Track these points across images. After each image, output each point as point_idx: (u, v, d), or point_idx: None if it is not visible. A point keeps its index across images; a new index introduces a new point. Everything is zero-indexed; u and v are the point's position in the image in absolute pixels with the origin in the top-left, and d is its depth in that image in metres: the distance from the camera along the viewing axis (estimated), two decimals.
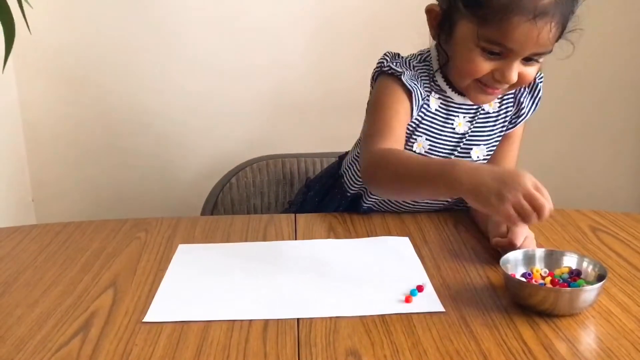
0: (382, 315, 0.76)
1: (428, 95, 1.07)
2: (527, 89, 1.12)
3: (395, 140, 0.99)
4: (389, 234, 1.03)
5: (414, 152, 1.08)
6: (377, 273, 0.89)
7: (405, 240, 1.00)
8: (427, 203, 1.13)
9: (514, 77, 0.96)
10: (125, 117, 1.86)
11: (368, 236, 1.02)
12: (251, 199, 1.48)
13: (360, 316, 0.76)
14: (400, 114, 1.02)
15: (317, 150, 1.54)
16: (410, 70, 1.06)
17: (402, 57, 1.09)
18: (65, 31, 1.77)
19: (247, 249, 0.98)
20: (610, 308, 0.78)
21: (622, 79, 1.91)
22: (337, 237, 1.02)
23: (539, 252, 0.86)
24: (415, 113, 1.04)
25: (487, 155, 1.12)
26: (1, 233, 1.06)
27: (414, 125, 1.07)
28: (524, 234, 0.89)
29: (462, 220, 1.08)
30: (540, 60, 0.98)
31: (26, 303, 0.81)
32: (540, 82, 1.12)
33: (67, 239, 1.02)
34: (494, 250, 0.93)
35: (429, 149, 1.09)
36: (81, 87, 1.83)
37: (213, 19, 1.80)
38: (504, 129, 1.13)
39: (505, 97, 1.12)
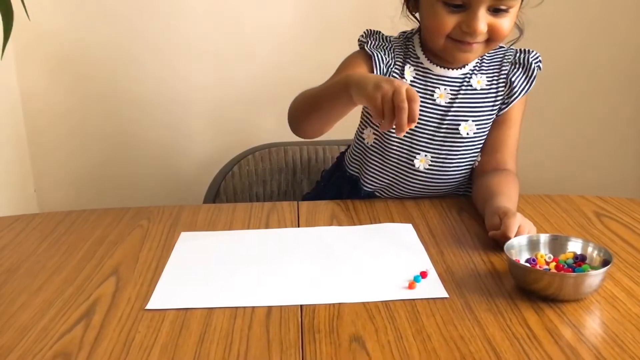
0: (386, 302, 0.76)
1: (402, 66, 1.09)
2: (520, 69, 1.11)
3: None
4: (392, 220, 1.03)
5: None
6: (380, 259, 0.88)
7: (409, 227, 0.99)
8: (428, 182, 1.13)
9: (480, 26, 0.98)
10: (127, 106, 1.85)
11: (371, 223, 1.02)
12: (253, 187, 1.47)
13: (363, 302, 0.76)
14: None
15: (319, 139, 1.53)
16: (384, 42, 1.10)
17: (381, 34, 1.13)
18: (66, 18, 1.76)
19: (249, 236, 0.98)
20: (615, 293, 0.78)
21: (628, 67, 1.89)
22: (340, 224, 1.02)
23: (544, 238, 0.85)
24: None
25: (478, 132, 1.11)
26: (3, 222, 1.05)
27: None
28: (516, 224, 0.87)
29: (465, 206, 1.08)
30: (512, 10, 0.99)
31: (28, 291, 0.81)
32: (535, 61, 1.11)
33: (69, 227, 1.02)
34: None
35: None
36: (82, 76, 1.82)
37: (216, 5, 1.79)
38: (495, 108, 1.11)
39: (495, 76, 1.11)
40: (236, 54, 1.83)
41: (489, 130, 1.12)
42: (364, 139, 1.16)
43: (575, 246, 0.83)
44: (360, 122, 1.19)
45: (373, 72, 1.07)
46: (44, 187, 1.90)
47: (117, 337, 0.70)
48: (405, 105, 0.83)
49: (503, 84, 1.11)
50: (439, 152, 1.11)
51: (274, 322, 0.72)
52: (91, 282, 0.83)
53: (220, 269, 0.86)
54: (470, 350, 0.66)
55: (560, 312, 0.73)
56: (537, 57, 1.12)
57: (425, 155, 1.10)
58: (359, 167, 1.18)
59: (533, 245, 0.84)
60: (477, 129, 1.11)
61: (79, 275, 0.85)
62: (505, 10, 0.99)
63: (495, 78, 1.11)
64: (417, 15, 1.11)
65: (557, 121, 1.93)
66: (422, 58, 1.10)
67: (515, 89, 1.11)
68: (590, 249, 0.82)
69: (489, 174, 1.08)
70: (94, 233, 1.00)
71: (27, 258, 0.91)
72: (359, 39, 1.14)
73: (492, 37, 1.01)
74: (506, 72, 1.11)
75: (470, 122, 1.10)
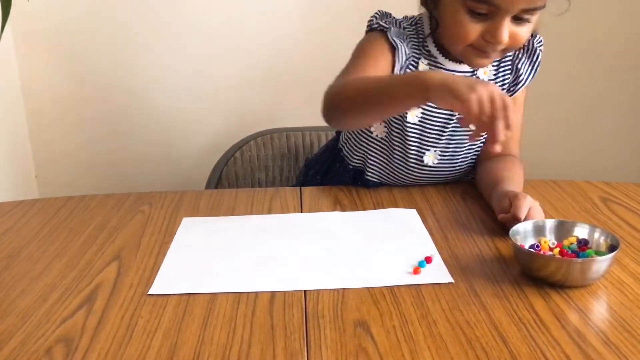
0: (391, 287, 0.75)
1: (417, 60, 1.05)
2: (525, 54, 1.09)
3: None
4: (396, 206, 1.02)
5: (408, 121, 1.06)
6: (385, 245, 0.87)
7: (413, 212, 0.98)
8: (435, 175, 1.11)
9: (504, 37, 0.93)
10: (128, 91, 1.84)
11: (375, 209, 1.01)
12: (255, 173, 1.46)
13: (368, 287, 0.75)
14: (380, 65, 1.01)
15: (321, 124, 1.52)
16: (400, 30, 1.05)
17: (393, 17, 1.08)
18: (65, 3, 1.74)
19: (252, 221, 0.97)
20: (622, 278, 0.77)
21: (631, 51, 1.88)
22: (343, 209, 1.01)
23: (549, 223, 0.84)
24: (397, 71, 1.02)
25: None
26: (4, 207, 1.05)
27: None
28: (527, 205, 0.86)
29: (469, 191, 1.07)
30: (532, 19, 0.95)
31: (30, 276, 0.80)
32: (539, 46, 1.09)
33: (70, 212, 1.01)
34: None
35: (422, 118, 1.06)
36: (83, 62, 1.81)
37: None
38: None
39: (501, 65, 1.09)
40: (239, 40, 1.82)
41: None
42: (372, 132, 1.11)
43: (581, 232, 0.82)
44: None
45: (394, 64, 1.02)
46: (45, 172, 1.89)
47: (119, 322, 0.69)
48: (502, 114, 0.77)
49: (509, 71, 1.09)
50: (447, 147, 1.08)
51: (278, 307, 0.71)
52: (93, 267, 0.82)
53: (223, 254, 0.86)
54: (476, 335, 0.65)
55: (567, 297, 0.72)
56: (540, 42, 1.10)
57: (435, 151, 1.08)
58: (362, 160, 1.14)
59: (539, 230, 0.83)
60: None
61: (80, 260, 0.85)
62: (527, 20, 0.94)
63: (502, 66, 1.09)
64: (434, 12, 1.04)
65: (560, 105, 1.91)
66: (435, 52, 1.05)
67: (521, 77, 1.09)
68: (597, 235, 0.81)
69: (493, 160, 1.07)
70: (95, 218, 0.99)
71: (28, 243, 0.90)
72: (372, 21, 1.07)
73: (510, 45, 0.96)
74: (511, 58, 1.09)
75: None
